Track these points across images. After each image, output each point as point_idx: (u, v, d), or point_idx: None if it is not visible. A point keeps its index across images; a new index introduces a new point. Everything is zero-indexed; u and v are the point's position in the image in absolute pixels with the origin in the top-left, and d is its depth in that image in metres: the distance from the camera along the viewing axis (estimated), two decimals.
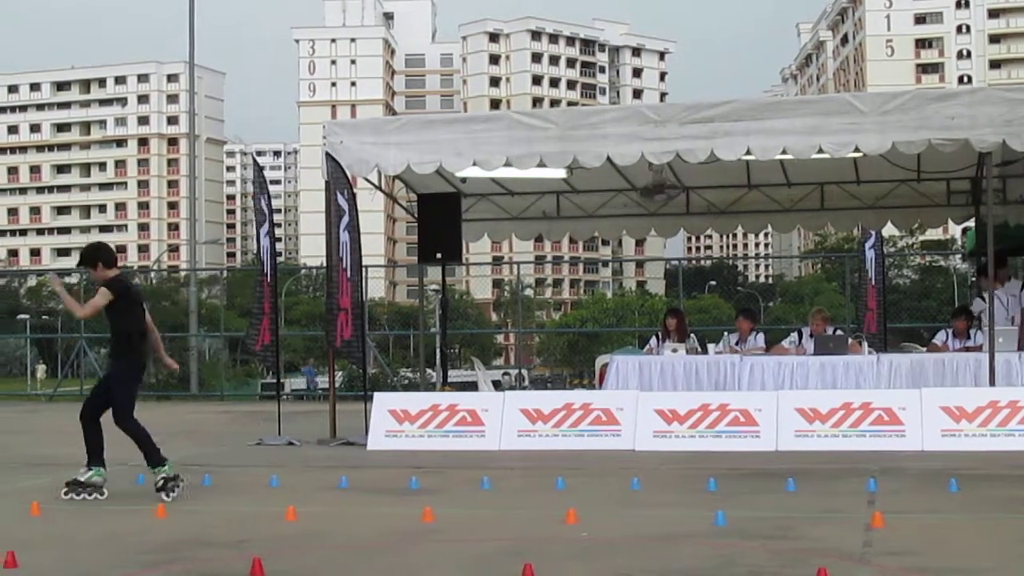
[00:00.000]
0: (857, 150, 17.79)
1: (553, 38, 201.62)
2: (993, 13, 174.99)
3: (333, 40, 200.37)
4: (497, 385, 29.60)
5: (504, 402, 18.18)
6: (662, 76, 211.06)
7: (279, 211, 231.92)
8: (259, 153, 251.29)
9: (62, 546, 10.17)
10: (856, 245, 28.74)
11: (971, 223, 23.71)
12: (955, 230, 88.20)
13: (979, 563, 8.77)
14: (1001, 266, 20.47)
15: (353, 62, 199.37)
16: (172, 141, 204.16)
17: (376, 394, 19.42)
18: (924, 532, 10.25)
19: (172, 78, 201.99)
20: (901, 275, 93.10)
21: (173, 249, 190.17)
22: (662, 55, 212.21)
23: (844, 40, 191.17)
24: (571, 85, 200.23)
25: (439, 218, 20.55)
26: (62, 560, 9.52)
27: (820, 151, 17.69)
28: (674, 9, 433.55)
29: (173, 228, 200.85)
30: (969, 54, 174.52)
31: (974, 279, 25.75)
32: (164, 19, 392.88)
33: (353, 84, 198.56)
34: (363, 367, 21.53)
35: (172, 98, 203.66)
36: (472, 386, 22.82)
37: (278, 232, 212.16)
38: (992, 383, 17.45)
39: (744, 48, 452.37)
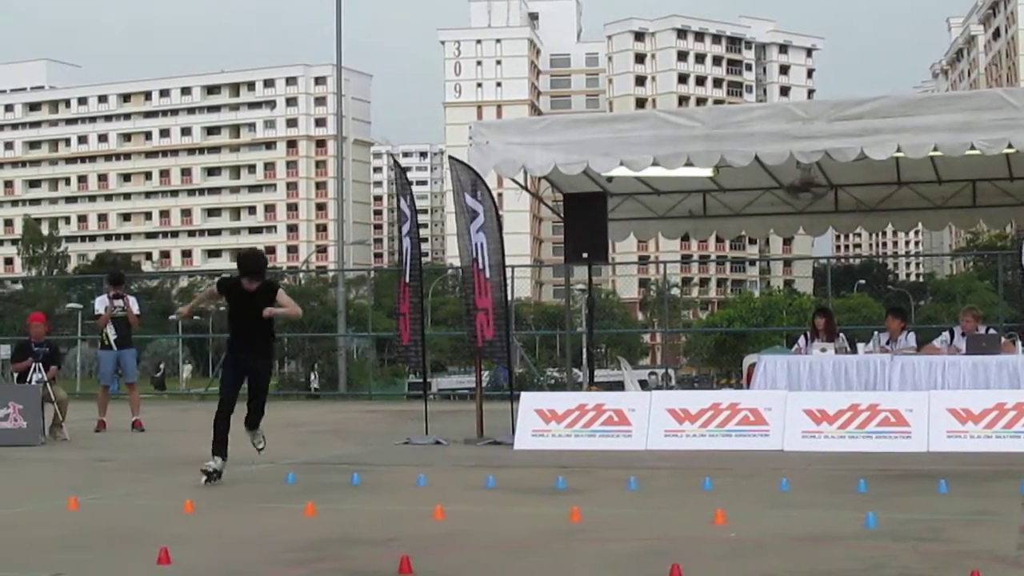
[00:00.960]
0: (1010, 147, 17.47)
1: (699, 36, 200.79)
2: None
3: (479, 41, 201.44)
4: (644, 385, 29.57)
5: (651, 402, 18.15)
6: (809, 73, 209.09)
7: (424, 212, 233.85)
8: (405, 154, 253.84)
9: (213, 543, 10.34)
10: (1010, 243, 28.27)
11: None
12: None
13: None
14: None
15: (498, 62, 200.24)
16: (320, 143, 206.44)
17: (523, 394, 19.48)
18: None
19: (320, 80, 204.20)
20: None
21: (321, 250, 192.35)
22: (809, 52, 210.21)
23: (996, 34, 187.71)
24: (717, 83, 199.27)
25: (585, 217, 20.54)
26: (213, 557, 9.68)
27: (972, 148, 17.40)
28: (821, 5, 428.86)
29: (321, 229, 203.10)
30: None
31: None
32: (312, 22, 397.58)
33: (498, 84, 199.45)
34: (508, 366, 21.61)
35: (320, 100, 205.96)
36: (618, 386, 22.84)
37: (424, 233, 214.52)
38: None
39: (893, 44, 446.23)
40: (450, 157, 19.20)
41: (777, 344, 44.47)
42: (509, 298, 21.71)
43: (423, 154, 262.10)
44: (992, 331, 20.31)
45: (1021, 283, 23.82)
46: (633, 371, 26.56)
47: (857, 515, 10.53)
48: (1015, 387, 17.79)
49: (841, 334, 20.83)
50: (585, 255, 20.76)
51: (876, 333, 20.96)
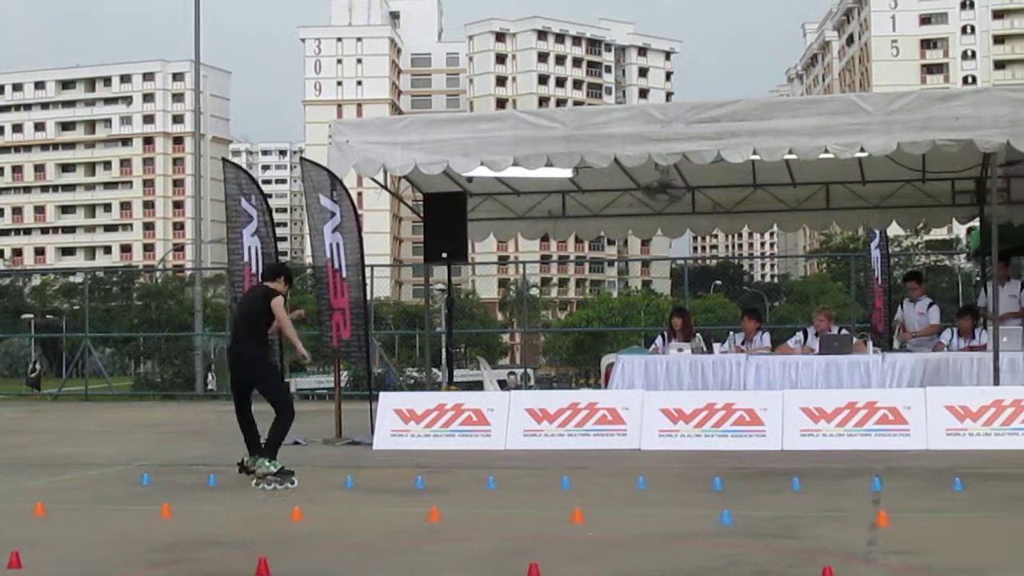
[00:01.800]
0: (863, 151, 17.78)
1: (559, 37, 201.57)
2: (998, 14, 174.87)
3: (339, 39, 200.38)
4: (503, 384, 29.63)
5: (510, 402, 18.20)
6: (668, 76, 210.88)
7: (284, 210, 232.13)
8: (264, 152, 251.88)
9: (66, 546, 10.18)
10: (861, 245, 28.81)
11: (975, 223, 23.71)
12: (960, 230, 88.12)
13: (984, 562, 8.78)
14: (1004, 266, 20.59)
15: (359, 61, 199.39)
16: (177, 140, 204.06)
17: (382, 394, 19.43)
18: (929, 531, 10.27)
19: (177, 76, 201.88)
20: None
21: (178, 248, 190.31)
22: (668, 55, 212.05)
23: (849, 40, 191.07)
24: (577, 84, 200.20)
25: (445, 217, 20.51)
26: (66, 560, 9.53)
27: (826, 151, 17.68)
28: (680, 9, 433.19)
29: (178, 227, 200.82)
30: (974, 55, 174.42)
31: (978, 279, 25.81)
32: (170, 18, 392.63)
33: (359, 83, 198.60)
34: (367, 366, 21.55)
35: (177, 97, 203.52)
36: (478, 385, 22.88)
37: (283, 232, 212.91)
38: (996, 382, 17.46)
39: (750, 48, 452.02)
40: (302, 158, 19.11)
41: (635, 344, 44.79)
42: (368, 298, 21.61)
43: (282, 152, 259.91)
44: (844, 331, 20.69)
45: (886, 284, 24.18)
46: (492, 371, 26.60)
47: (713, 513, 10.65)
48: (866, 386, 18.14)
49: (698, 334, 21.05)
50: (445, 255, 20.73)
51: (732, 333, 21.22)
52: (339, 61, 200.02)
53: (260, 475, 13.94)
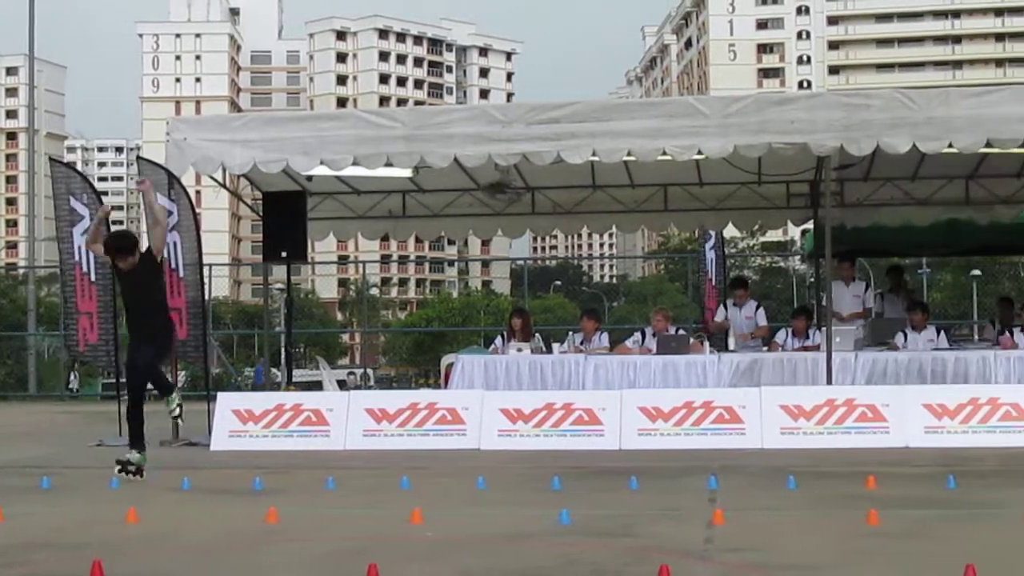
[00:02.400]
0: (700, 153, 18.02)
1: (400, 37, 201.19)
2: (832, 20, 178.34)
3: (178, 35, 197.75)
4: (342, 384, 29.50)
5: (349, 402, 18.13)
6: (509, 76, 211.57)
7: (120, 208, 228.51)
8: (100, 149, 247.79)
9: None
10: (699, 246, 29.15)
11: (810, 225, 24.13)
12: (794, 232, 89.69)
13: (816, 558, 8.93)
14: (849, 266, 21.06)
15: (198, 58, 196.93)
16: (11, 136, 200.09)
17: (219, 394, 19.24)
18: (763, 529, 10.41)
19: (11, 71, 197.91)
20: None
21: (11, 246, 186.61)
22: (509, 55, 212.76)
23: (688, 44, 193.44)
24: (418, 84, 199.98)
25: (284, 216, 20.38)
26: None
27: (664, 153, 17.87)
28: (521, 10, 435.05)
29: (11, 224, 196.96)
30: (809, 60, 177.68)
31: (812, 280, 26.31)
32: (2, 10, 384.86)
33: (198, 80, 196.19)
34: (205, 367, 21.33)
35: (11, 91, 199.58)
36: (317, 386, 22.78)
37: (119, 229, 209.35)
38: (829, 382, 17.80)
39: (590, 50, 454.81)
40: (138, 157, 18.86)
41: (475, 344, 44.94)
42: (206, 297, 21.39)
43: (119, 149, 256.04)
44: (681, 332, 20.95)
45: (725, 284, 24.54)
46: (332, 371, 26.52)
47: (551, 512, 10.69)
48: (703, 386, 18.37)
49: (537, 334, 21.16)
50: (284, 254, 20.60)
51: (571, 333, 21.35)
52: (178, 57, 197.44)
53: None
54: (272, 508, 11.00)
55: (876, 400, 17.11)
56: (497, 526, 10.69)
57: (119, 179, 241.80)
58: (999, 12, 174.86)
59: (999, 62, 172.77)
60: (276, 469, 15.11)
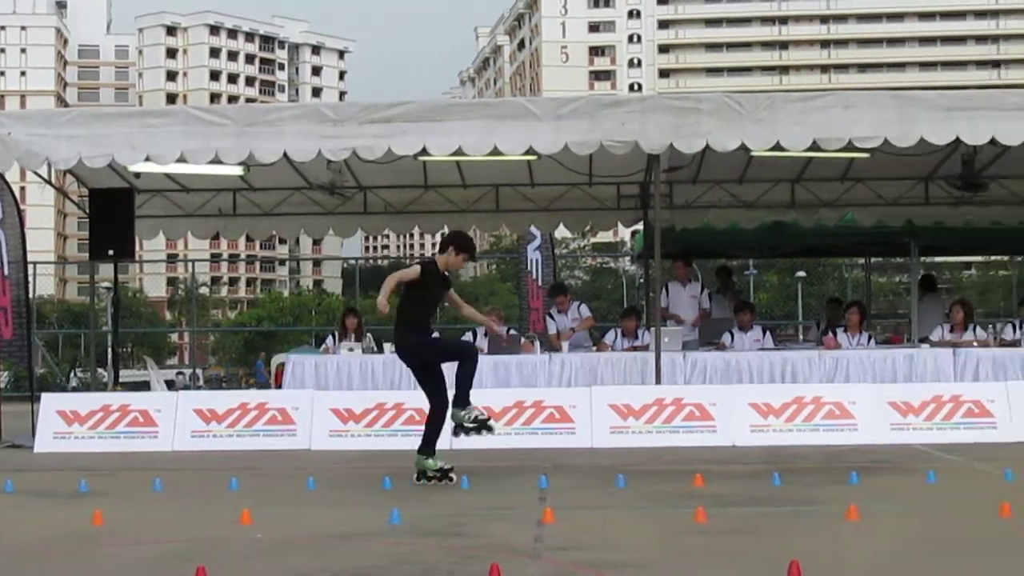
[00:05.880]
0: (531, 150, 18.12)
1: (232, 33, 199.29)
2: (663, 24, 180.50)
3: (2, 27, 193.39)
4: (171, 385, 29.18)
5: (177, 402, 17.94)
6: (341, 75, 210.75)
7: None
8: None
9: None
10: (518, 247, 29.36)
11: (640, 226, 24.40)
12: (625, 233, 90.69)
13: (645, 556, 9.02)
14: (684, 266, 21.37)
15: (23, 51, 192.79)
16: None
17: (44, 395, 18.89)
18: (593, 527, 10.49)
19: None
20: (573, 276, 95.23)
21: None
22: (342, 54, 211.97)
23: (521, 45, 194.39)
24: (250, 82, 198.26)
25: (111, 214, 20.09)
26: None
27: (496, 151, 17.94)
28: (354, 9, 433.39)
29: None
30: (640, 63, 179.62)
31: (642, 280, 26.61)
32: None
33: (23, 74, 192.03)
34: (29, 367, 20.94)
35: None
36: (145, 386, 22.49)
37: None
38: (658, 381, 18.01)
39: (424, 50, 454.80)
40: None
41: (306, 344, 44.68)
42: (30, 296, 20.98)
43: None
44: (513, 332, 21.04)
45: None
46: (160, 371, 26.20)
47: (382, 512, 10.66)
48: (533, 385, 18.48)
49: (369, 334, 21.13)
50: (111, 252, 20.30)
51: None
52: (2, 50, 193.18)
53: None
54: (98, 510, 10.81)
55: (703, 399, 17.39)
56: (327, 526, 10.64)
57: None
58: (824, 19, 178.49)
59: (824, 68, 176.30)
60: (102, 471, 14.88)
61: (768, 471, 13.39)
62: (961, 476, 14.11)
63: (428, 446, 13.67)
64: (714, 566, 8.72)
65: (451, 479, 13.37)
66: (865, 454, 15.82)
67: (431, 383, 13.86)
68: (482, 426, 13.52)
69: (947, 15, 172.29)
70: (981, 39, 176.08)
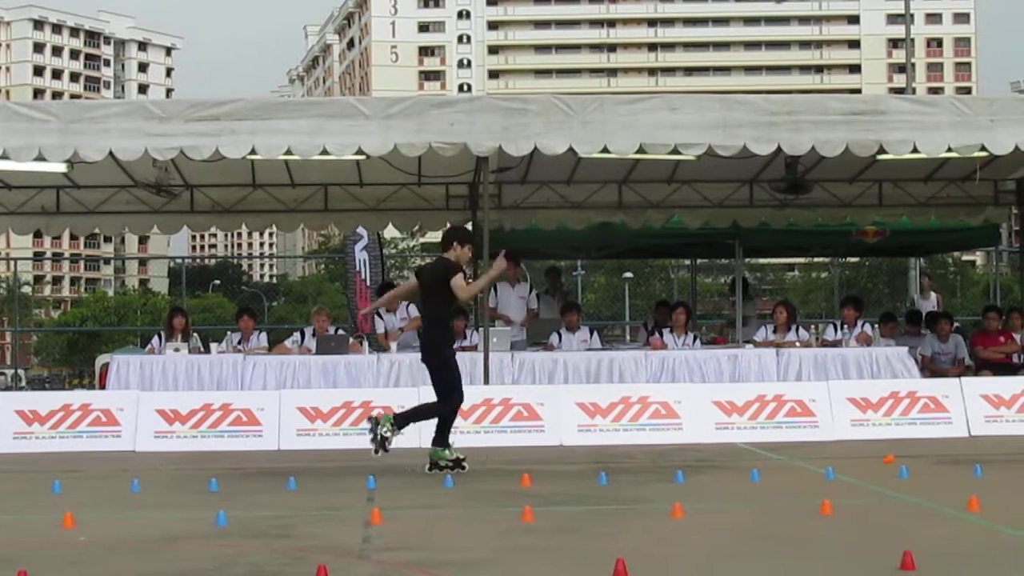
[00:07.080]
0: (360, 151, 18.09)
1: (57, 28, 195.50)
2: (492, 25, 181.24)
3: None
4: None
5: None
6: (169, 72, 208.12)
7: None
8: None
9: None
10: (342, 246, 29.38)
11: (468, 227, 24.48)
12: None
13: (473, 555, 9.07)
14: (514, 266, 21.48)
15: None
16: None
17: None
18: (421, 527, 10.52)
19: None
20: (402, 276, 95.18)
21: None
22: (169, 51, 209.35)
23: (350, 44, 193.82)
24: (75, 78, 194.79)
25: None
26: None
27: (324, 151, 17.88)
28: (182, 5, 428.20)
29: None
30: (469, 63, 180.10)
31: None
32: None
33: None
34: None
35: None
36: None
37: None
38: (486, 381, 18.09)
39: (252, 48, 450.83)
40: None
41: (131, 344, 44.13)
42: None
43: None
44: (341, 332, 21.01)
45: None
46: None
47: (209, 514, 10.59)
48: (363, 386, 18.44)
49: (195, 334, 20.95)
50: None
51: (229, 333, 21.27)
52: None
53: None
54: None
55: (531, 399, 17.53)
56: (152, 529, 10.53)
57: None
58: (652, 23, 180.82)
59: (651, 71, 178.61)
60: None
61: (595, 470, 13.54)
62: (784, 474, 14.41)
63: (444, 439, 14.46)
64: (542, 564, 8.81)
65: (463, 468, 14.17)
66: (691, 453, 16.08)
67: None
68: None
69: (772, 20, 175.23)
70: (805, 44, 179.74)
